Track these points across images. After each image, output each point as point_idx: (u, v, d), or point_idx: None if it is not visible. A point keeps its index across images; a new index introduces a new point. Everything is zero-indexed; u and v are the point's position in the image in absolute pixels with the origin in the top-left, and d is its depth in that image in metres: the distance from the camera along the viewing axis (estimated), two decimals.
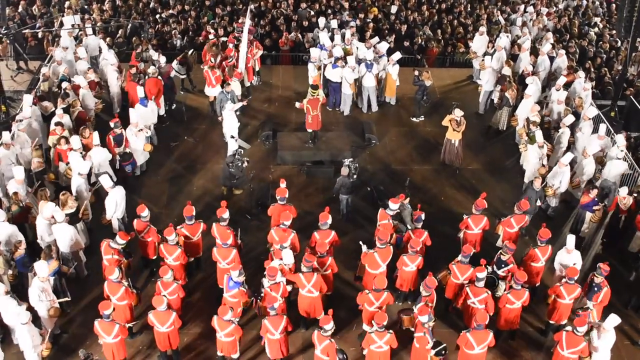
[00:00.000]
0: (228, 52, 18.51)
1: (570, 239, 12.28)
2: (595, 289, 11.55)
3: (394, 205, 12.87)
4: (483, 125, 18.15)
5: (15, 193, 13.13)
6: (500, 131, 17.65)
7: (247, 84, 18.81)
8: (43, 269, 11.10)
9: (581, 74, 17.90)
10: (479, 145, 17.32)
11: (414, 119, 18.45)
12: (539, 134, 15.11)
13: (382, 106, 18.85)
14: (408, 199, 13.73)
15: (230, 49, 18.47)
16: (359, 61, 18.09)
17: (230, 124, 16.02)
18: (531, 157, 15.14)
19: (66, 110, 15.64)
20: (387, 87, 18.67)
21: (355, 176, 14.53)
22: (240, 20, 20.44)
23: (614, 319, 10.82)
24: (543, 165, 14.63)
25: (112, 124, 14.83)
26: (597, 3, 26.14)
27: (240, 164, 14.82)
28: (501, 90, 17.68)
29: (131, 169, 15.06)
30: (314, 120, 16.36)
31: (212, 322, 10.90)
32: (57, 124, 14.79)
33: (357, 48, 19.07)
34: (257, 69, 19.40)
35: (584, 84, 17.35)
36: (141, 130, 15.35)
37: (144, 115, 16.01)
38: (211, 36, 19.71)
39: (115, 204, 13.40)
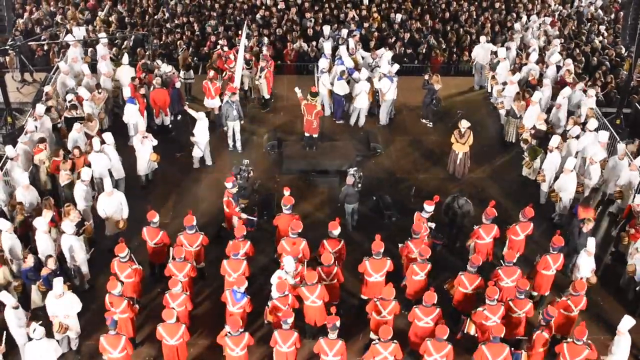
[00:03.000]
0: (229, 63, 18.58)
1: (591, 242, 12.34)
2: (535, 330, 11.21)
3: (429, 208, 12.94)
4: (488, 136, 18.12)
5: (20, 203, 13.18)
6: (507, 142, 17.63)
7: (267, 96, 18.87)
8: (59, 287, 11.08)
9: (579, 85, 17.86)
10: (485, 155, 17.28)
11: (425, 121, 18.58)
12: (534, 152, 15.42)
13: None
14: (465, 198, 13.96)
15: (231, 60, 18.51)
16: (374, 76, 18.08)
17: (202, 132, 16.05)
18: (547, 166, 15.14)
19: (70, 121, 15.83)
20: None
21: (360, 185, 14.53)
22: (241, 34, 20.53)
23: (628, 321, 10.87)
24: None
25: (228, 185, 13.70)
26: (599, 11, 26.17)
27: (246, 175, 14.83)
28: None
29: (254, 224, 14.11)
30: (307, 124, 16.57)
31: (224, 343, 10.76)
32: (41, 140, 14.73)
33: (363, 58, 19.13)
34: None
35: (589, 93, 17.33)
36: (146, 137, 15.35)
37: (132, 114, 16.28)
38: (225, 47, 19.74)
39: (122, 205, 13.61)
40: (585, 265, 12.40)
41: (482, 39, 20.37)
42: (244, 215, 13.69)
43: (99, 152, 14.56)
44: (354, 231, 14.55)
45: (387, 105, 18.16)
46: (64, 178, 14.15)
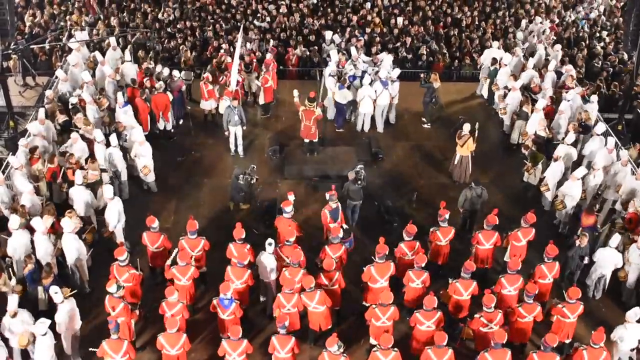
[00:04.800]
0: (229, 66, 18.57)
1: (615, 238, 12.66)
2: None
3: (447, 216, 12.95)
4: (490, 141, 18.08)
5: (23, 206, 13.20)
6: (513, 145, 17.65)
7: (261, 101, 18.81)
8: (59, 295, 11.11)
9: (577, 89, 17.84)
10: (487, 161, 17.21)
11: (425, 126, 18.59)
12: (536, 158, 15.51)
13: (386, 121, 18.74)
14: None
15: (230, 64, 18.51)
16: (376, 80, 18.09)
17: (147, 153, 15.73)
18: (550, 175, 15.13)
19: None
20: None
21: (359, 182, 14.51)
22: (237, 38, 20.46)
23: (636, 312, 11.18)
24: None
25: (327, 196, 13.34)
26: (603, 17, 26.17)
27: (248, 178, 14.82)
28: (520, 105, 17.64)
29: (350, 245, 13.29)
30: (304, 130, 16.52)
31: (220, 348, 10.77)
32: (32, 150, 14.74)
33: (365, 63, 19.13)
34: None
35: (592, 99, 17.37)
36: (136, 156, 15.38)
37: (123, 117, 16.38)
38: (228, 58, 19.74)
39: (117, 215, 13.51)
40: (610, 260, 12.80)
41: (495, 44, 20.42)
42: (334, 225, 13.28)
43: (100, 144, 14.84)
44: (355, 238, 14.52)
45: (379, 110, 18.13)
46: (91, 177, 14.15)
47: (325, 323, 11.77)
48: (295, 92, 16.60)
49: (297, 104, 16.50)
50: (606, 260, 12.83)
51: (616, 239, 12.73)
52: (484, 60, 20.27)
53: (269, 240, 12.26)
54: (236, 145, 17.00)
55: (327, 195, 13.42)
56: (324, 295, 11.51)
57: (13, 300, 11.06)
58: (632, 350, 11.57)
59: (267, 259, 12.24)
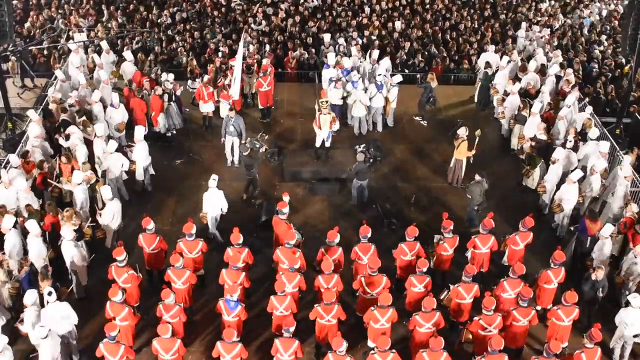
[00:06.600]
0: (230, 72, 18.54)
1: (608, 228, 12.88)
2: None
3: (451, 227, 12.87)
4: (488, 145, 18.04)
5: (28, 205, 13.24)
6: (512, 150, 17.68)
7: (261, 106, 18.76)
8: (53, 297, 11.09)
9: (575, 93, 17.89)
10: (485, 164, 17.06)
11: (420, 119, 18.78)
12: (534, 161, 15.62)
13: (384, 125, 18.77)
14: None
15: (232, 69, 18.48)
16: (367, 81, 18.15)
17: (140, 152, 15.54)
18: (549, 178, 15.20)
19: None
20: (385, 108, 18.58)
21: (371, 160, 14.49)
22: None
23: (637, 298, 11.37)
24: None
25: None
26: (602, 20, 26.21)
27: (257, 145, 15.08)
28: (518, 109, 17.63)
29: None
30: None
31: (215, 349, 10.77)
32: (24, 155, 14.72)
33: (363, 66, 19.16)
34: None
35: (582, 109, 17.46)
36: (131, 150, 15.40)
37: (115, 117, 16.46)
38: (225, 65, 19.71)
39: (112, 216, 13.53)
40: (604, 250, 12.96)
41: (491, 48, 20.45)
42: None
43: (99, 139, 14.99)
44: (364, 207, 14.67)
45: (372, 112, 18.15)
46: (86, 178, 14.11)
47: (332, 336, 11.59)
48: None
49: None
50: (603, 252, 12.92)
51: (609, 228, 12.85)
52: (480, 64, 20.31)
53: (214, 176, 13.77)
54: (232, 155, 16.76)
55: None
56: (340, 310, 11.46)
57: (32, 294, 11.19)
58: (634, 336, 11.64)
59: (214, 195, 13.71)
